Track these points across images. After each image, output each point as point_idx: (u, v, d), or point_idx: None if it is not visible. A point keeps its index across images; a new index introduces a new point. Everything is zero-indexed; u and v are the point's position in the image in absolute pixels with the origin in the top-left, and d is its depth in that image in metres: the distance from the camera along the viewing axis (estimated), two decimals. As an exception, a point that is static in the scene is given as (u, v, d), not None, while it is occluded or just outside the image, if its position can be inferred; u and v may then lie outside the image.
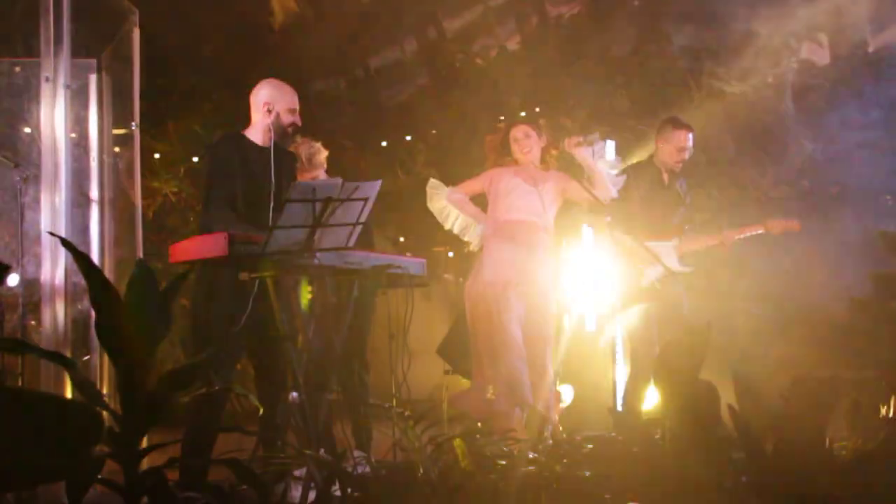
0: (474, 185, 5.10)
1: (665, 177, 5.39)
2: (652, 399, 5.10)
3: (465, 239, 5.13)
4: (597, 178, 4.91)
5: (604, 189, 4.90)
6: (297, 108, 4.13)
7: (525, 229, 4.88)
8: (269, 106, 4.08)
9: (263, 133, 4.09)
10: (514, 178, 4.97)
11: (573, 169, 5.12)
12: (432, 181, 5.17)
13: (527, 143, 4.99)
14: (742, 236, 5.41)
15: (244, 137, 4.12)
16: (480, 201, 5.17)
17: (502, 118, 7.82)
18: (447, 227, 5.11)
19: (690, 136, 5.33)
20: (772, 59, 7.26)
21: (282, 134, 4.12)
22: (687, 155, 5.34)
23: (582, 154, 4.91)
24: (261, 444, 3.84)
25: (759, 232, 5.41)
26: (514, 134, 5.04)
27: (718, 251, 5.53)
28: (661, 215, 5.27)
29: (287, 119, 4.10)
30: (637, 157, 6.12)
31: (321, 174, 4.94)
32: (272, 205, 3.93)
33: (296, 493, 3.38)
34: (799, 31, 7.21)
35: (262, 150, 4.06)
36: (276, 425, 3.86)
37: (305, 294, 3.66)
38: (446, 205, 5.06)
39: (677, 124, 5.37)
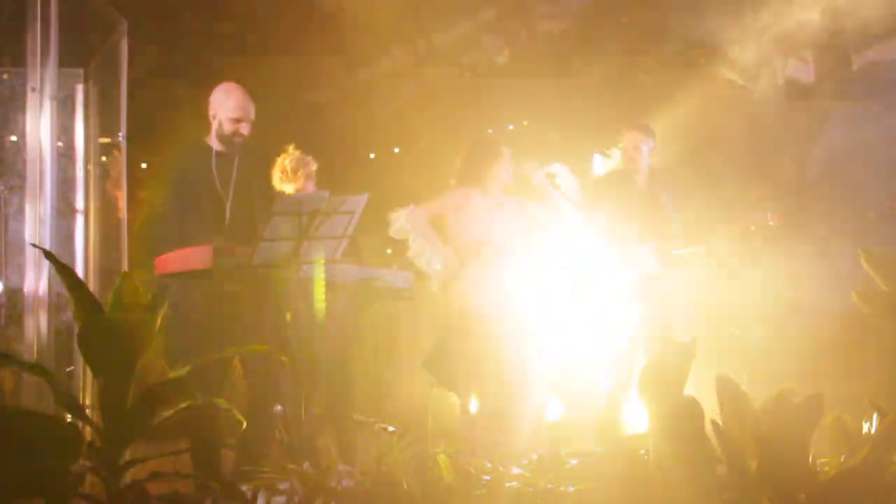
0: (437, 205, 4.91)
1: (640, 181, 5.44)
2: (635, 414, 5.11)
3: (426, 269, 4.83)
4: (552, 205, 4.95)
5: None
6: (243, 117, 4.00)
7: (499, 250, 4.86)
8: (213, 112, 4.04)
9: (214, 139, 4.05)
10: (483, 198, 4.90)
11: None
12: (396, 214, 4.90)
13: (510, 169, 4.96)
14: (722, 237, 5.47)
15: (204, 143, 4.07)
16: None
17: (490, 131, 7.84)
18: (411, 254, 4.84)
19: (639, 136, 5.39)
20: (757, 76, 7.31)
21: (226, 143, 4.03)
22: (636, 154, 5.39)
23: (544, 184, 4.95)
24: (243, 457, 3.84)
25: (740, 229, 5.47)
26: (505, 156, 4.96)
27: (704, 262, 5.56)
28: (636, 219, 5.30)
29: (228, 128, 4.01)
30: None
31: (310, 186, 4.91)
32: (228, 212, 3.90)
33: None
34: (784, 48, 7.27)
35: (220, 156, 4.02)
36: (258, 438, 3.84)
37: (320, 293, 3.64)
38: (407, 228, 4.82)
39: (630, 127, 5.50)
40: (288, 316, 3.77)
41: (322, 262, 3.62)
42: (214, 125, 4.04)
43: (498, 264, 4.85)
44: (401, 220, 4.85)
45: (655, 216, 5.38)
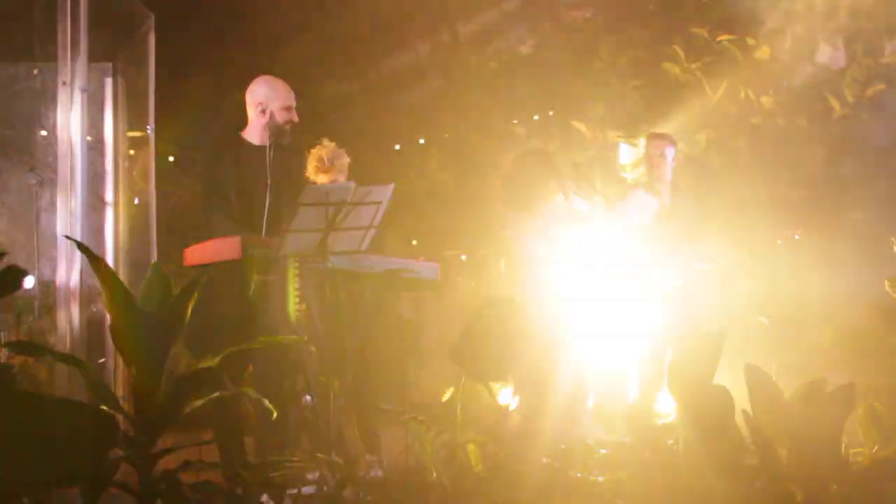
0: None
1: (663, 194, 5.40)
2: (665, 404, 5.09)
3: None
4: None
5: None
6: (293, 104, 4.05)
7: None
8: (262, 106, 4.03)
9: (260, 133, 4.05)
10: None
11: None
12: None
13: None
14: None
15: (239, 138, 4.09)
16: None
17: (516, 121, 7.82)
18: None
19: (662, 144, 5.37)
20: (787, 63, 7.22)
21: (278, 133, 4.05)
22: (661, 161, 5.36)
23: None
24: (263, 447, 3.86)
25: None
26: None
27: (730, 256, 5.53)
28: (658, 233, 5.28)
29: (282, 117, 4.03)
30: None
31: (341, 179, 4.92)
32: (267, 204, 3.92)
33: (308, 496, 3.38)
34: (815, 35, 7.17)
35: (258, 150, 4.02)
36: (284, 429, 3.86)
37: (293, 301, 3.65)
38: None
39: (653, 136, 5.53)
40: (315, 306, 3.78)
41: (294, 259, 3.61)
42: (264, 118, 4.04)
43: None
44: None
45: (677, 233, 5.35)
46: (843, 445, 3.08)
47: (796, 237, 5.26)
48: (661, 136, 5.48)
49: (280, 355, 3.88)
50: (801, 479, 2.94)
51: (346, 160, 4.92)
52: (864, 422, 3.37)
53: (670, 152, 5.39)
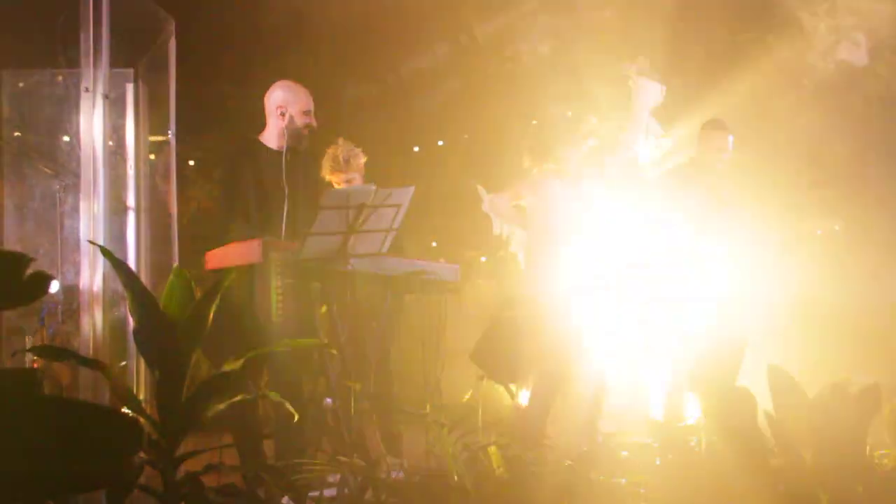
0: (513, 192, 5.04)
1: (706, 179, 5.37)
2: (691, 407, 5.06)
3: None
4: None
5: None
6: (312, 108, 4.11)
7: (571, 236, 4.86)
8: (282, 109, 4.08)
9: (278, 137, 4.09)
10: (557, 184, 4.91)
11: None
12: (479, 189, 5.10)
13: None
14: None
15: (257, 142, 4.13)
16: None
17: (535, 122, 7.80)
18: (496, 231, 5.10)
19: (730, 137, 5.35)
20: (809, 61, 7.17)
21: (297, 136, 4.10)
22: (725, 156, 5.35)
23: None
24: (282, 449, 3.87)
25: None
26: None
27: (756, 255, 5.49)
28: (700, 218, 5.24)
29: (301, 121, 4.08)
30: (676, 157, 6.12)
31: (357, 179, 4.94)
32: (285, 209, 3.94)
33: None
34: (836, 30, 7.11)
35: (276, 155, 4.06)
36: (301, 432, 3.87)
37: (275, 301, 3.66)
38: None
39: (716, 126, 5.41)
40: (336, 309, 3.79)
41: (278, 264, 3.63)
42: (283, 122, 4.08)
43: (562, 252, 4.84)
44: (486, 203, 5.04)
45: (718, 215, 5.31)
46: (867, 447, 3.05)
47: (836, 228, 5.23)
48: (723, 127, 5.37)
49: (300, 358, 3.90)
50: (825, 481, 2.91)
51: (363, 159, 4.93)
52: (889, 423, 3.34)
53: (731, 144, 5.37)
